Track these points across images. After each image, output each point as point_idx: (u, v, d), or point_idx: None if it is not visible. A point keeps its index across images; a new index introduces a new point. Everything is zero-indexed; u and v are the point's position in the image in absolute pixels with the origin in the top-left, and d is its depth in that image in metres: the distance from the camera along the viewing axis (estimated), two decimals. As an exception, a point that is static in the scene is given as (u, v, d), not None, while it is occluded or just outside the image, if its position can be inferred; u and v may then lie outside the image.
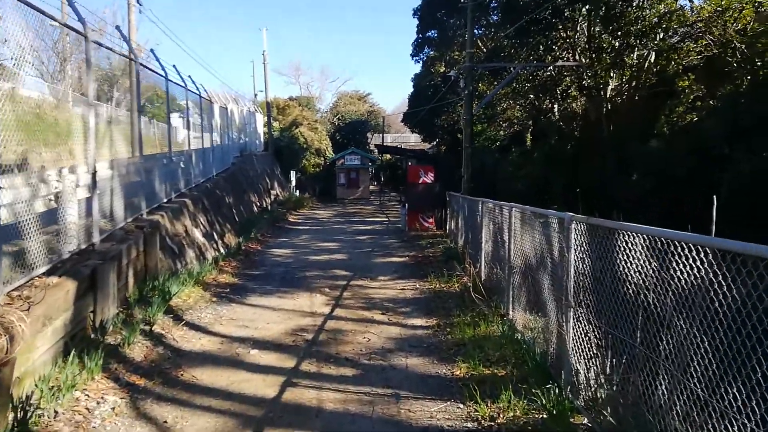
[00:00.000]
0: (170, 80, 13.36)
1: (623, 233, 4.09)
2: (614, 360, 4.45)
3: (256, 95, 36.79)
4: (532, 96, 26.43)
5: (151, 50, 12.32)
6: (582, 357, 4.87)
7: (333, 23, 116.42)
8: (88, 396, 5.26)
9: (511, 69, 21.87)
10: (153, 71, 12.25)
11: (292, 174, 34.46)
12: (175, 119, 16.03)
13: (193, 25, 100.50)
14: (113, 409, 5.15)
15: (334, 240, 18.67)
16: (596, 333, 4.71)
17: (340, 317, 8.70)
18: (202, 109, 17.75)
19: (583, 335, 4.88)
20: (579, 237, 4.88)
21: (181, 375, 6.15)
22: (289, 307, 9.32)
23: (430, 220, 20.37)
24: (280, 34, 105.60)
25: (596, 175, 20.16)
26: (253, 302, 9.61)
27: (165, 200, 11.89)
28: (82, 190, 7.49)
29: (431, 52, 32.41)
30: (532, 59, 20.73)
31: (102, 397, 5.31)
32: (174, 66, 14.73)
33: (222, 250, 14.12)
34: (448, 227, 19.14)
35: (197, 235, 12.53)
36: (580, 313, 4.95)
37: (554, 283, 5.86)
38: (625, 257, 4.11)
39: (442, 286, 10.70)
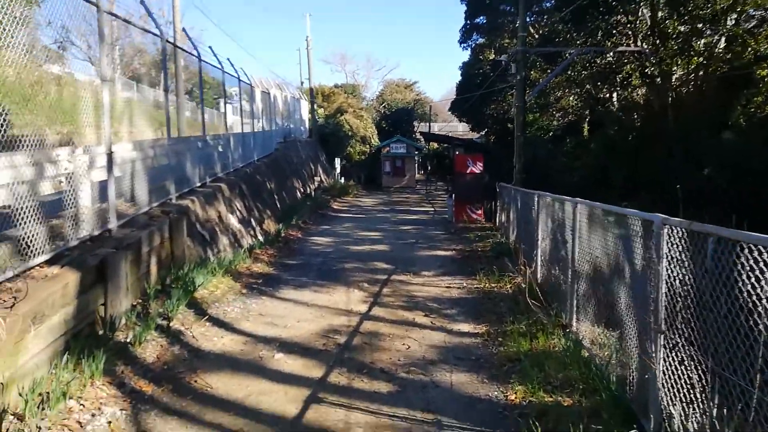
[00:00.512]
0: (204, 61, 12.73)
1: (749, 247, 2.98)
2: (725, 410, 3.36)
3: (302, 82, 36.25)
4: (589, 85, 24.71)
5: (183, 29, 11.69)
6: (677, 398, 3.77)
7: (379, 10, 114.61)
8: (84, 406, 4.54)
9: (567, 55, 20.33)
10: (183, 50, 11.55)
11: (337, 161, 33.75)
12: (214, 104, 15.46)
13: (241, 12, 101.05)
14: (110, 423, 4.41)
15: (376, 229, 17.79)
16: (698, 370, 3.61)
17: (378, 317, 7.79)
18: (241, 92, 17.12)
19: (678, 370, 3.78)
20: (674, 246, 3.77)
21: (195, 382, 5.39)
22: (324, 302, 8.49)
23: (479, 211, 19.20)
24: (326, 22, 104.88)
25: (660, 168, 18.49)
26: (286, 296, 8.83)
27: (198, 184, 11.25)
28: (97, 172, 6.83)
29: (480, 39, 30.96)
30: (589, 45, 19.10)
31: (99, 408, 4.58)
32: (210, 48, 14.15)
33: (260, 237, 13.45)
34: (497, 220, 17.94)
35: (232, 221, 11.87)
36: (675, 341, 3.85)
37: (635, 298, 4.76)
38: (749, 280, 3.01)
39: (493, 285, 9.63)
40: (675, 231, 3.70)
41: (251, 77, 19.72)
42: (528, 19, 19.34)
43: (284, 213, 18.13)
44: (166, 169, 9.68)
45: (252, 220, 13.61)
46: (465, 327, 7.45)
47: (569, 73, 23.83)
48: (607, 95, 25.82)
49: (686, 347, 3.71)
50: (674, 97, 20.40)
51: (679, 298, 3.73)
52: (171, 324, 6.56)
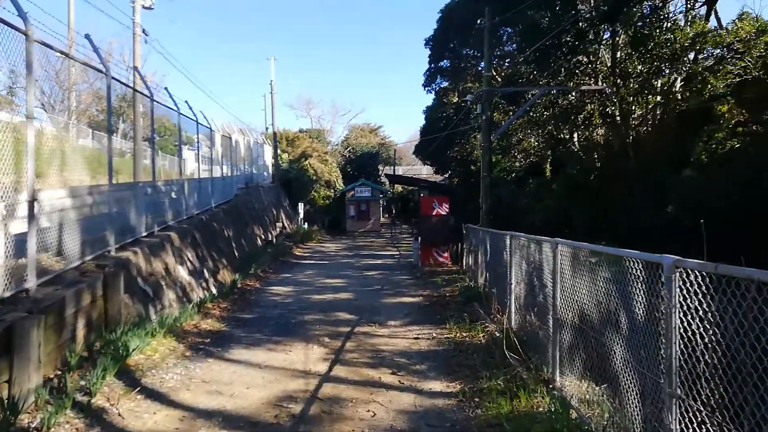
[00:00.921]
0: (157, 101, 11.93)
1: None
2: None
3: (267, 128, 35.70)
4: (550, 126, 24.89)
5: (135, 67, 10.89)
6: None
7: (344, 57, 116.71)
8: None
9: (530, 95, 20.42)
10: (137, 91, 10.75)
11: (300, 206, 32.94)
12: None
13: (205, 60, 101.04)
14: None
15: (340, 276, 16.90)
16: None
17: (340, 378, 6.87)
18: (199, 136, 16.32)
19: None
20: (691, 294, 3.10)
21: (112, 476, 4.37)
22: (279, 363, 7.52)
23: (445, 254, 18.57)
24: (292, 68, 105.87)
25: (621, 207, 18.34)
26: (236, 357, 7.82)
27: (144, 234, 10.26)
28: (16, 223, 5.89)
29: (444, 83, 31.20)
30: (552, 86, 19.20)
31: None
32: (166, 89, 13.40)
33: (213, 290, 12.41)
34: (465, 263, 17.32)
35: (181, 273, 10.85)
36: (697, 409, 3.14)
37: (635, 352, 4.06)
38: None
39: (464, 335, 8.84)
40: (692, 275, 3.03)
41: (212, 121, 18.99)
42: (491, 62, 19.42)
43: (242, 261, 17.10)
44: (106, 217, 8.71)
45: (205, 270, 12.58)
46: (437, 385, 6.60)
47: (531, 114, 24.00)
48: (568, 136, 26.05)
49: (713, 418, 2.99)
50: (634, 136, 20.56)
51: (701, 357, 3.04)
52: (93, 400, 5.51)
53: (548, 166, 27.62)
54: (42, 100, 27.82)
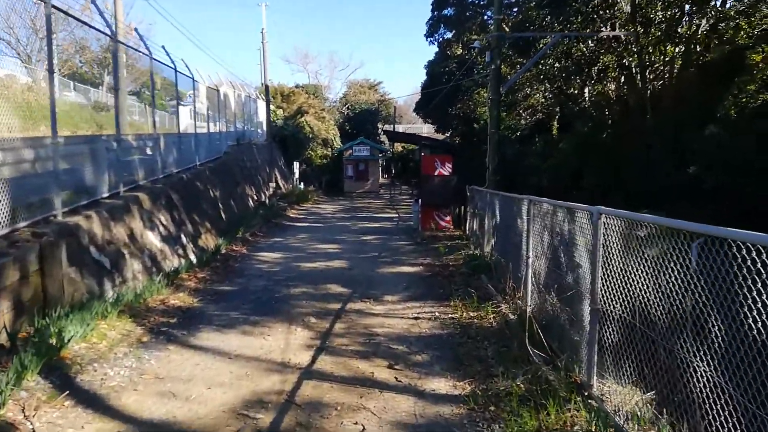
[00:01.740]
0: (120, 41, 10.32)
1: None
2: None
3: (263, 83, 33.66)
4: (559, 81, 23.14)
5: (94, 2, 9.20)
6: None
7: (343, 7, 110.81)
8: None
9: (542, 43, 18.68)
10: (76, 18, 9.04)
11: (296, 165, 31.40)
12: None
13: (197, 9, 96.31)
14: None
15: (335, 241, 15.62)
16: None
17: (324, 374, 5.62)
18: (178, 86, 14.73)
19: None
20: None
21: None
22: (253, 351, 6.26)
23: (447, 218, 17.25)
24: (288, 19, 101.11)
25: (637, 167, 16.90)
26: (203, 342, 6.56)
27: (105, 195, 8.87)
28: None
29: (447, 33, 29.16)
30: (568, 32, 17.38)
31: None
32: (136, 30, 11.74)
33: (192, 257, 11.12)
34: (468, 227, 16.01)
35: (151, 239, 9.51)
36: None
37: (738, 378, 2.75)
38: None
39: (472, 315, 7.58)
40: None
41: (195, 71, 17.34)
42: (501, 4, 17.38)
43: (230, 224, 15.78)
44: (51, 176, 7.30)
45: (183, 236, 11.25)
46: (442, 385, 5.36)
47: (540, 66, 22.26)
48: (578, 91, 24.33)
49: None
50: (652, 90, 18.91)
51: None
52: (1, 411, 4.25)
53: (556, 123, 25.99)
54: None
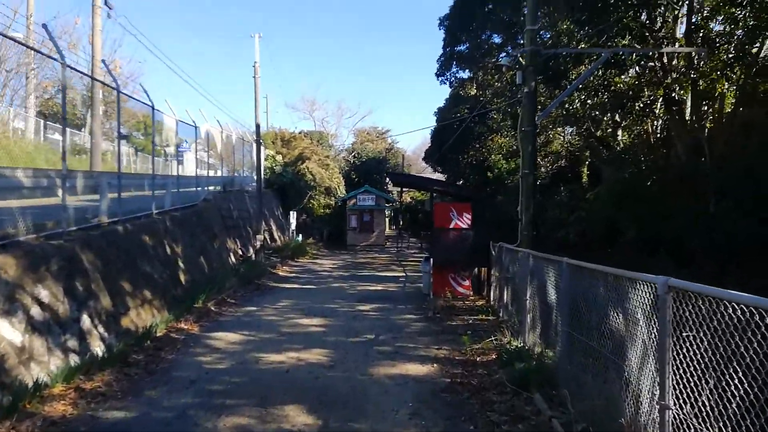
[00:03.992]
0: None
1: None
2: None
3: (256, 123, 30.55)
4: (588, 122, 19.70)
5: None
6: None
7: (353, 56, 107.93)
8: None
9: (574, 74, 15.40)
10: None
11: (292, 215, 27.90)
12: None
13: (197, 55, 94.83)
14: None
15: (322, 313, 11.74)
16: None
17: None
18: (120, 116, 11.36)
19: None
20: None
21: None
22: None
23: (466, 283, 13.40)
24: (296, 66, 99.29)
25: (692, 218, 13.05)
26: None
27: None
28: None
29: (460, 72, 26.05)
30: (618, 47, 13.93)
31: None
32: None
33: (98, 350, 7.31)
34: (493, 296, 12.16)
35: (4, 332, 5.74)
36: None
37: None
38: None
39: None
40: None
41: (165, 101, 14.15)
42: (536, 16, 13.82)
43: (193, 290, 12.04)
44: None
45: (88, 316, 7.48)
46: None
47: (567, 105, 18.91)
48: (610, 133, 20.82)
49: None
50: (710, 128, 15.29)
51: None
52: None
53: (586, 170, 22.37)
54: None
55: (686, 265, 12.11)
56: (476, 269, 14.35)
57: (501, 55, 19.35)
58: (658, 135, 18.99)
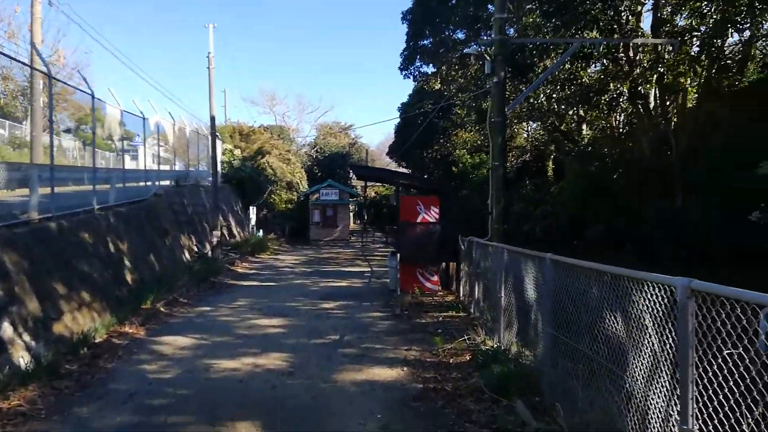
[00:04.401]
0: None
1: None
2: None
3: (210, 115, 29.08)
4: (554, 116, 19.50)
5: None
6: None
7: (312, 48, 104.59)
8: None
9: (541, 67, 15.07)
10: None
11: (252, 210, 26.80)
12: None
13: (151, 49, 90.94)
14: None
15: (282, 312, 10.94)
16: None
17: None
18: (52, 102, 10.22)
19: None
20: None
21: None
22: None
23: (434, 278, 12.84)
24: (256, 60, 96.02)
25: (660, 214, 12.87)
26: None
27: None
28: None
29: (424, 67, 25.52)
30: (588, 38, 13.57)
31: None
32: None
33: (21, 361, 6.35)
34: (463, 291, 11.65)
35: None
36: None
37: None
38: None
39: None
40: None
41: (108, 90, 12.99)
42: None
43: (140, 290, 11.04)
44: None
45: (8, 324, 6.50)
46: None
47: (531, 100, 18.65)
48: (575, 127, 20.70)
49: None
50: (677, 121, 15.20)
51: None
52: None
53: (551, 163, 22.22)
54: None
55: (651, 261, 11.91)
56: (444, 264, 13.82)
57: (468, 46, 18.85)
58: (621, 129, 18.94)
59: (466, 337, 8.00)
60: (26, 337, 6.76)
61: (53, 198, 9.36)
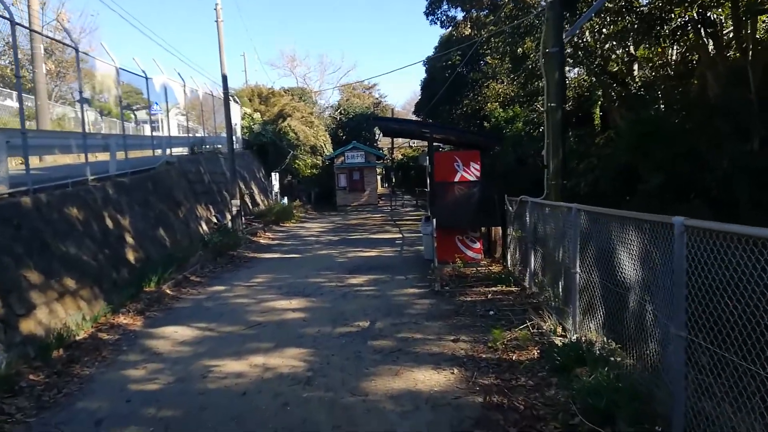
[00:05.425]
0: None
1: None
2: None
3: (222, 74, 27.25)
4: (599, 58, 17.15)
5: None
6: None
7: (334, 9, 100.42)
8: None
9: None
10: None
11: (275, 176, 25.23)
12: None
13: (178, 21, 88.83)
14: None
15: (304, 291, 9.36)
16: None
17: None
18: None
19: None
20: None
21: None
22: None
23: (477, 245, 11.02)
24: (276, 21, 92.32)
25: (737, 160, 10.64)
26: None
27: None
28: None
29: (451, 11, 22.99)
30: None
31: None
32: None
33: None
34: (511, 260, 9.85)
35: None
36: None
37: None
38: None
39: None
40: None
41: (101, 44, 11.32)
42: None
43: (144, 270, 9.61)
44: None
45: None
46: None
47: (576, 40, 16.32)
48: (626, 69, 18.16)
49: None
50: (755, 50, 12.72)
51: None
52: None
53: (598, 110, 19.78)
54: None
55: (728, 212, 9.89)
56: (484, 228, 11.97)
57: None
58: (681, 67, 16.41)
59: (528, 324, 6.24)
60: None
61: (29, 168, 7.85)
